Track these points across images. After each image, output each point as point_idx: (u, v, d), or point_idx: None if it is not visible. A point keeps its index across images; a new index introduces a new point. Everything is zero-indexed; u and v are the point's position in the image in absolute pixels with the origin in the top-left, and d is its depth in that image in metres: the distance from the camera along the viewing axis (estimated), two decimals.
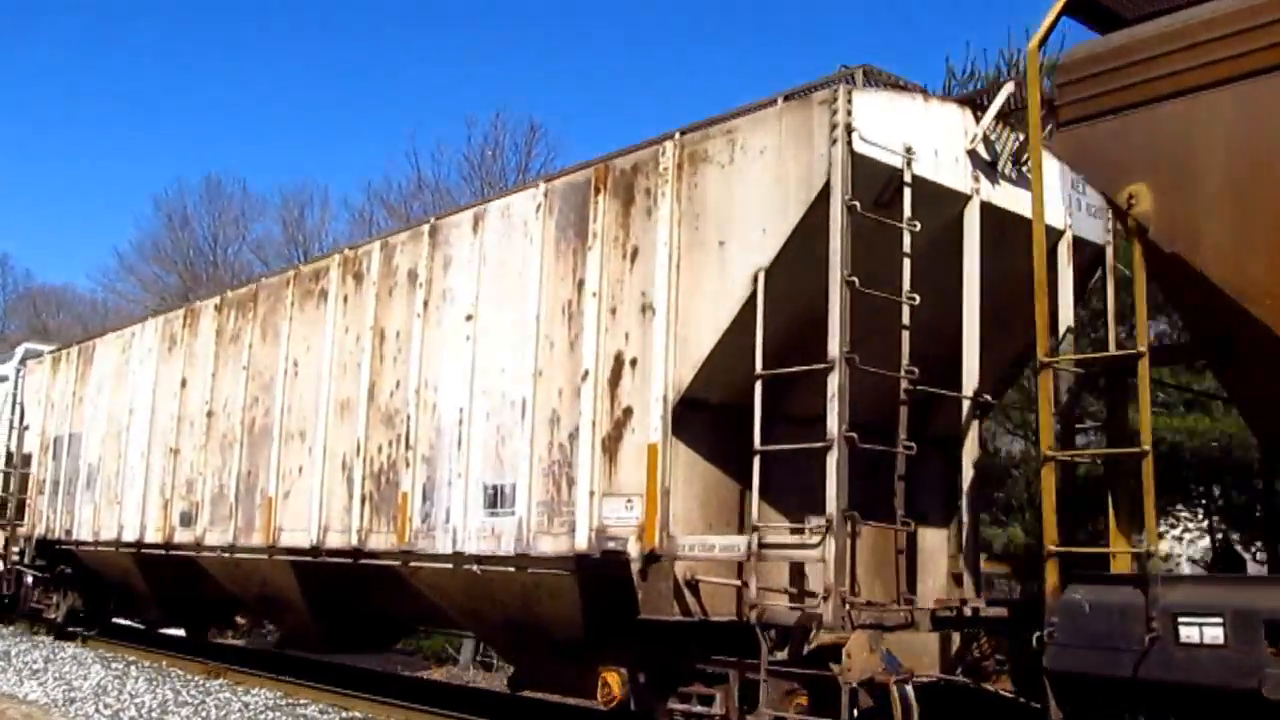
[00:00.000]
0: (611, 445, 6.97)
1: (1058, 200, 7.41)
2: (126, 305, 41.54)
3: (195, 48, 77.00)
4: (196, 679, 11.56)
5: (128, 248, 65.94)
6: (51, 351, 15.94)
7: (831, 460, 5.83)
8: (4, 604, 16.99)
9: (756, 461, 6.16)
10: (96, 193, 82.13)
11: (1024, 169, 7.15)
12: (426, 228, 8.79)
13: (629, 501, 6.80)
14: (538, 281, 7.66)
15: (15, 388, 16.95)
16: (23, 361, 17.08)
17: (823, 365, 5.93)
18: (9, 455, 16.49)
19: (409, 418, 8.55)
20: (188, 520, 11.35)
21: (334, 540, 9.22)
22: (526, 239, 7.84)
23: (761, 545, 6.07)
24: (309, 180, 70.79)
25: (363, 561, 8.96)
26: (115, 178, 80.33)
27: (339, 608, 10.28)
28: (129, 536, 12.45)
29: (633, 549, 6.70)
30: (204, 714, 9.53)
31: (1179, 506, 12.38)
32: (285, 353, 10.21)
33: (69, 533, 13.98)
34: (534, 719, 9.89)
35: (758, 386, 6.21)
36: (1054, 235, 7.43)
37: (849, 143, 6.07)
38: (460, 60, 66.71)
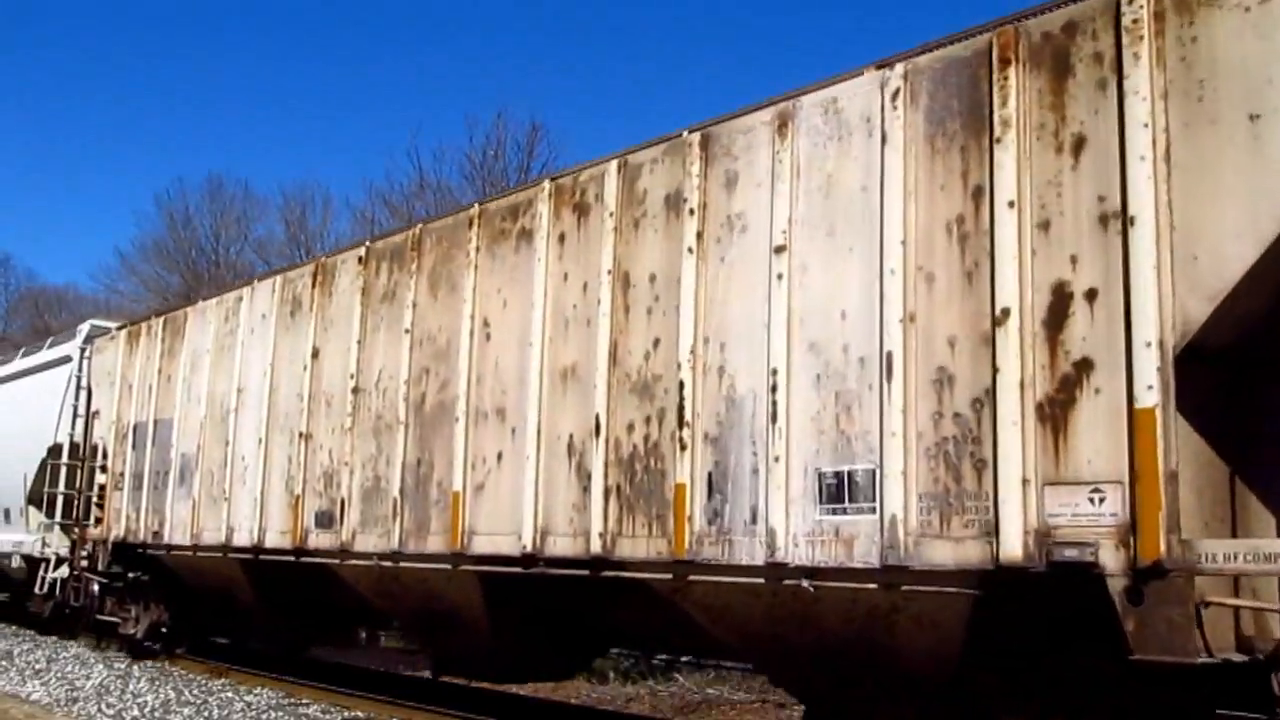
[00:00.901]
0: (1056, 413, 4.93)
1: None
2: (129, 305, 41.40)
3: (197, 47, 76.27)
4: (199, 679, 11.40)
5: (129, 247, 65.79)
6: (124, 326, 13.85)
7: None
8: (65, 615, 14.98)
9: None
10: (98, 192, 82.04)
11: None
12: (694, 137, 6.73)
13: (1095, 492, 4.77)
14: (899, 195, 5.62)
15: (79, 369, 14.87)
16: (88, 340, 15.00)
17: None
18: (73, 447, 14.45)
19: (681, 385, 6.50)
20: (328, 521, 9.30)
21: (559, 546, 7.18)
22: (872, 139, 5.80)
23: None
24: (311, 180, 70.29)
25: (606, 575, 6.93)
26: (117, 177, 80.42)
27: (539, 627, 8.26)
28: (242, 540, 10.41)
29: (1110, 560, 4.68)
30: (206, 714, 9.34)
31: None
32: (469, 310, 8.15)
33: (157, 535, 11.93)
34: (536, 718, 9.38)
35: None
36: None
37: None
38: (462, 60, 66.20)
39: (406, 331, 8.75)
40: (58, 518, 14.60)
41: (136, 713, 9.59)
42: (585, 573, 7.05)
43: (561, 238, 7.54)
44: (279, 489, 10.02)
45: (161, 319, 12.62)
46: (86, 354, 14.89)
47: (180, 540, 11.49)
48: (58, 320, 46.73)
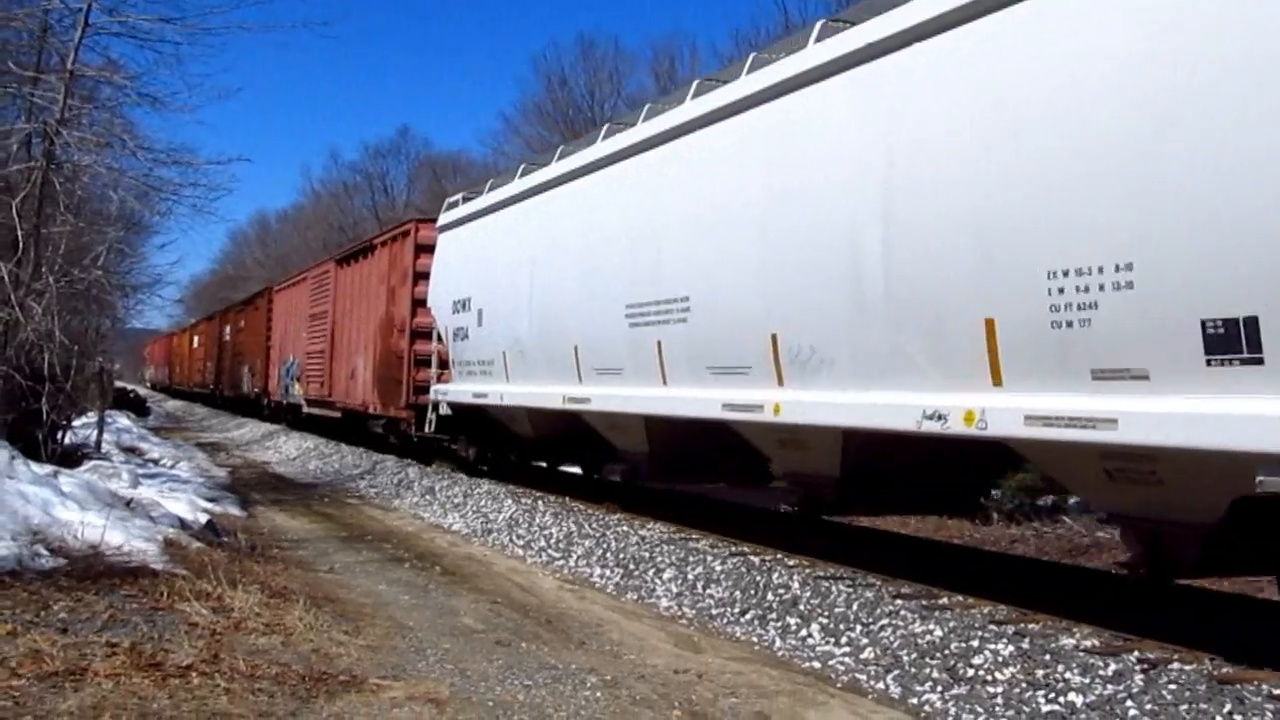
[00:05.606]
0: None
1: None
2: (515, 167, 41.72)
3: None
4: (596, 514, 11.68)
5: (512, 110, 67.76)
6: None
7: None
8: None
9: None
10: (482, 61, 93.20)
11: None
12: None
13: None
14: None
15: None
16: None
17: None
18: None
19: None
20: None
21: None
22: None
23: None
24: (677, 31, 73.37)
25: None
26: (498, 46, 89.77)
27: None
28: None
29: None
30: (605, 545, 9.97)
31: None
32: None
33: None
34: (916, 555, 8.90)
35: None
36: None
37: None
38: None
39: None
40: None
41: (543, 543, 10.45)
42: None
43: None
44: None
45: None
46: None
47: None
48: (454, 185, 49.02)
